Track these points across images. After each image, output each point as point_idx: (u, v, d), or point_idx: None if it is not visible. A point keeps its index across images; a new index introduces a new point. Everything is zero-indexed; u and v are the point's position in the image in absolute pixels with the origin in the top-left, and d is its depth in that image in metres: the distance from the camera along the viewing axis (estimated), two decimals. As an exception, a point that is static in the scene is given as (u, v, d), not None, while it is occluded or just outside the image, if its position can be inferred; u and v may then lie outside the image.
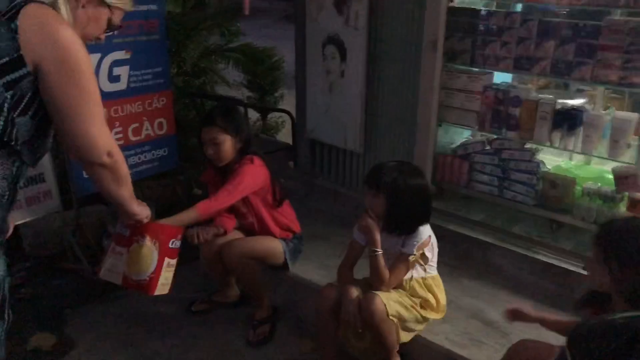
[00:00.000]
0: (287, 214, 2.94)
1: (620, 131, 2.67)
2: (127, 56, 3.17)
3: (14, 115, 1.49)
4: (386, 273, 2.37)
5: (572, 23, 2.72)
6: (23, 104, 1.50)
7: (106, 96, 3.00)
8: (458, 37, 3.10)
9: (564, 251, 2.81)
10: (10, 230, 1.68)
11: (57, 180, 3.18)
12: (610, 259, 1.69)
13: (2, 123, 1.47)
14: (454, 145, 3.35)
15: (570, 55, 2.72)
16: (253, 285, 2.86)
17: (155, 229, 2.09)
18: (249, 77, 5.46)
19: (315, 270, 3.00)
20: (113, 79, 3.14)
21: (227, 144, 2.71)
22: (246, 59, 5.09)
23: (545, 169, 3.00)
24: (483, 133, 3.22)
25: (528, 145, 3.04)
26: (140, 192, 3.17)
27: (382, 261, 2.37)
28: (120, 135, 3.24)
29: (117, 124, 3.21)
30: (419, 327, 2.46)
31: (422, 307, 2.45)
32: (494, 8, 3.13)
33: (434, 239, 2.45)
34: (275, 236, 2.89)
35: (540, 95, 2.96)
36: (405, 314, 2.36)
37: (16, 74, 1.46)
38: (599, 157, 2.85)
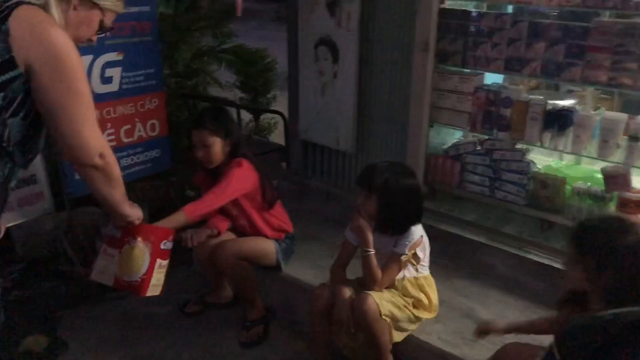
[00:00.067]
0: (279, 214, 2.95)
1: (609, 131, 2.69)
2: (120, 58, 3.16)
3: (6, 117, 1.49)
4: (379, 273, 2.38)
5: (561, 24, 2.74)
6: (14, 105, 1.50)
7: (98, 98, 2.99)
8: (449, 39, 3.12)
9: (555, 250, 2.83)
10: (2, 232, 1.68)
11: (49, 181, 3.17)
12: (585, 257, 1.71)
13: (-7, 125, 1.47)
14: (445, 146, 3.36)
15: (560, 56, 2.74)
16: (245, 286, 2.86)
17: (147, 230, 2.09)
18: (242, 78, 5.46)
19: (308, 271, 3.01)
20: (105, 80, 3.13)
21: (217, 147, 2.71)
22: (239, 60, 5.09)
23: (536, 169, 3.02)
24: (474, 134, 3.23)
25: (519, 146, 3.06)
26: (133, 193, 3.17)
27: (374, 261, 2.38)
28: (113, 137, 3.24)
29: (110, 125, 3.21)
30: (412, 327, 2.48)
31: (414, 306, 2.46)
32: (484, 9, 3.14)
33: (425, 239, 2.47)
34: (267, 237, 2.89)
35: (530, 96, 2.98)
36: (397, 313, 2.37)
37: (7, 76, 1.47)
38: (588, 157, 2.87)
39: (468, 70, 3.12)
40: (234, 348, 2.81)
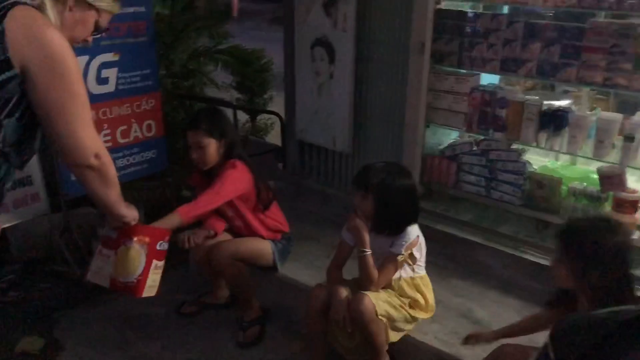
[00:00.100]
0: (275, 215, 2.94)
1: (605, 132, 2.70)
2: (116, 58, 3.16)
3: (1, 118, 1.49)
4: (375, 273, 2.39)
5: (557, 25, 2.76)
6: (10, 106, 1.50)
7: (94, 98, 2.99)
8: (445, 39, 3.13)
9: (551, 250, 2.80)
10: (-2, 233, 1.68)
11: (45, 183, 3.16)
12: (571, 256, 1.74)
13: (-11, 125, 1.47)
14: (441, 146, 3.37)
15: (556, 56, 2.76)
16: (241, 286, 2.86)
17: (143, 231, 2.09)
18: (238, 79, 5.46)
19: (305, 271, 3.01)
20: (101, 81, 3.13)
21: (212, 148, 2.70)
22: (235, 60, 5.09)
23: (532, 169, 3.03)
24: (470, 134, 3.25)
25: (515, 146, 3.07)
26: (129, 194, 3.17)
27: (371, 261, 2.39)
28: (109, 138, 3.23)
29: (106, 126, 3.21)
30: (408, 327, 2.48)
31: (410, 306, 2.47)
32: (480, 10, 3.15)
33: (422, 239, 2.47)
34: (263, 237, 2.89)
35: (526, 96, 2.99)
36: (394, 313, 2.37)
37: (3, 76, 1.47)
38: (584, 157, 2.89)
39: (464, 71, 3.13)
40: (230, 348, 2.80)
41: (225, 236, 2.88)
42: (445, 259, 3.08)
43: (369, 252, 2.39)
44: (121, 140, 3.32)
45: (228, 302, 3.10)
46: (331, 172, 3.83)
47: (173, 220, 2.44)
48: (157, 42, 3.61)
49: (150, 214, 2.89)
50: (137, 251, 2.05)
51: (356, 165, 3.50)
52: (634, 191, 2.66)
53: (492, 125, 3.05)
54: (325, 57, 3.50)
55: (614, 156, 2.72)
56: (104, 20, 1.74)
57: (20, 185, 3.03)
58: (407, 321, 2.44)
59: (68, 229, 3.34)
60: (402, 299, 2.45)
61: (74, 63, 1.54)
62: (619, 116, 2.73)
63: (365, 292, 2.33)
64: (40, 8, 1.53)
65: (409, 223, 2.41)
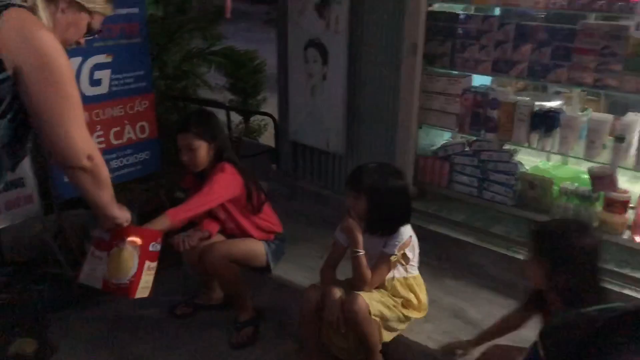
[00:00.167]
0: (268, 216, 2.94)
1: (596, 132, 2.73)
2: (109, 60, 3.15)
3: (-7, 119, 1.49)
4: (368, 273, 2.40)
5: (548, 27, 2.78)
6: (2, 107, 1.50)
7: (87, 100, 2.99)
8: (437, 41, 3.14)
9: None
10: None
11: (37, 184, 3.15)
12: (542, 257, 1.79)
13: (-19, 127, 1.47)
14: (434, 147, 3.39)
15: (547, 58, 2.78)
16: (234, 287, 2.86)
17: (136, 232, 2.09)
18: (231, 80, 5.46)
19: (298, 272, 3.02)
20: (94, 82, 3.12)
21: (202, 151, 2.70)
22: (228, 62, 5.09)
23: (524, 170, 3.05)
24: (463, 135, 3.26)
25: (507, 147, 3.09)
26: (122, 195, 3.16)
27: (364, 261, 2.40)
28: (102, 139, 3.23)
29: (99, 127, 3.20)
30: (401, 327, 2.49)
31: (404, 306, 2.48)
32: (472, 12, 3.17)
33: (415, 239, 2.48)
34: (256, 239, 2.90)
35: (518, 97, 3.01)
36: (387, 313, 2.38)
37: (-5, 78, 1.46)
38: (575, 157, 2.91)
39: (456, 72, 3.15)
40: (224, 349, 2.81)
41: (219, 237, 2.88)
42: (437, 259, 3.10)
43: (362, 252, 2.40)
44: (114, 142, 3.31)
45: (222, 303, 3.10)
46: (324, 173, 3.83)
47: (162, 222, 2.43)
48: (150, 44, 3.60)
49: (144, 215, 2.88)
50: (129, 252, 2.05)
51: (349, 166, 3.50)
52: (625, 191, 2.68)
53: (484, 126, 3.06)
54: (319, 58, 3.51)
55: (604, 156, 2.74)
56: (97, 22, 1.74)
57: (13, 187, 3.02)
58: (400, 321, 2.46)
59: (61, 230, 3.33)
60: (395, 298, 2.46)
61: (66, 65, 1.55)
62: (609, 117, 2.76)
63: (359, 292, 2.34)
64: (32, 10, 1.53)
65: (402, 223, 2.42)
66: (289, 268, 3.05)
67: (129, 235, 2.06)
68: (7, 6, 1.48)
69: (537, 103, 2.91)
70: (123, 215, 1.95)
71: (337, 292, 2.38)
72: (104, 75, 3.16)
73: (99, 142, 3.17)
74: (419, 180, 3.36)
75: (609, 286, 2.59)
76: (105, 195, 1.79)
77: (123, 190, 3.40)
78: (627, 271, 2.65)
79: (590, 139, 2.74)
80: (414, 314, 2.51)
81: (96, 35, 1.82)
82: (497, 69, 2.96)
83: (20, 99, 1.51)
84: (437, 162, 3.30)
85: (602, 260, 1.81)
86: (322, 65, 3.50)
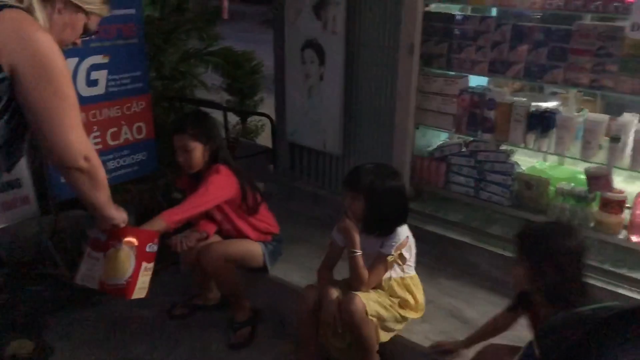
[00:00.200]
0: (265, 217, 2.95)
1: (592, 132, 2.74)
2: (105, 60, 3.15)
3: (-10, 120, 1.49)
4: (365, 273, 2.40)
5: (544, 27, 2.78)
6: (-1, 108, 1.50)
7: (84, 100, 2.98)
8: (434, 42, 3.15)
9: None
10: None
11: (34, 185, 3.15)
12: (527, 258, 1.83)
13: (-23, 128, 1.47)
14: (431, 148, 3.40)
15: (543, 58, 2.79)
16: (231, 288, 2.87)
17: (132, 233, 2.09)
18: (229, 81, 5.46)
19: (295, 272, 3.02)
20: (91, 83, 3.12)
21: (198, 152, 2.71)
22: (225, 63, 5.09)
23: (520, 170, 3.06)
24: (459, 135, 3.27)
25: (503, 147, 3.10)
26: (119, 196, 3.16)
27: (361, 262, 2.40)
28: (99, 140, 3.22)
29: (96, 128, 3.20)
30: (398, 327, 2.50)
31: (400, 306, 2.48)
32: (469, 13, 3.18)
33: (411, 240, 2.49)
34: (253, 240, 2.90)
35: (514, 98, 3.02)
36: (384, 313, 2.39)
37: (-8, 79, 1.46)
38: (572, 158, 2.92)
39: (453, 73, 3.16)
40: (221, 350, 2.81)
41: (216, 238, 2.88)
42: (434, 259, 3.10)
43: (359, 252, 2.40)
44: (111, 143, 3.31)
45: (219, 303, 3.10)
46: (322, 174, 3.84)
47: (157, 224, 2.43)
48: (147, 44, 3.60)
49: (141, 216, 2.88)
50: (126, 253, 2.05)
51: (346, 167, 3.51)
52: (621, 191, 2.69)
53: (481, 127, 3.07)
54: (316, 59, 3.52)
55: (600, 157, 2.75)
56: (93, 23, 1.74)
57: (9, 188, 3.01)
58: (397, 321, 2.46)
59: (58, 231, 3.33)
60: (392, 299, 2.46)
61: (63, 65, 1.55)
62: (605, 117, 2.77)
63: (356, 293, 2.35)
64: (29, 10, 1.53)
65: (399, 224, 2.42)
66: (286, 268, 3.05)
67: (125, 236, 2.06)
68: (2, 7, 1.48)
69: (533, 104, 2.92)
70: (120, 216, 1.95)
71: (334, 293, 2.39)
72: (101, 75, 3.16)
73: (96, 143, 3.17)
74: (416, 180, 3.37)
75: (606, 286, 2.62)
76: (102, 196, 1.79)
77: (120, 191, 3.40)
78: (623, 271, 2.66)
79: (586, 139, 2.75)
80: (411, 314, 2.52)
81: (93, 36, 1.83)
82: (493, 69, 2.97)
83: (17, 99, 1.51)
84: (434, 162, 3.30)
85: (587, 261, 1.84)
86: (319, 66, 3.51)
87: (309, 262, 3.00)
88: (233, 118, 5.32)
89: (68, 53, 1.68)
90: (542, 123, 2.85)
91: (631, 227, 2.66)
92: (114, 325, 2.97)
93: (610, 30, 2.58)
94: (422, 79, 3.19)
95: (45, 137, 1.56)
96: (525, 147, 2.98)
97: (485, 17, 3.01)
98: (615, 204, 2.67)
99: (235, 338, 2.84)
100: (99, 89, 3.17)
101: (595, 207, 2.76)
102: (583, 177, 2.77)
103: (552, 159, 3.23)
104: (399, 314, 2.46)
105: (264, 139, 5.19)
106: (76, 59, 2.99)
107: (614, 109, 2.90)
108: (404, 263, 2.47)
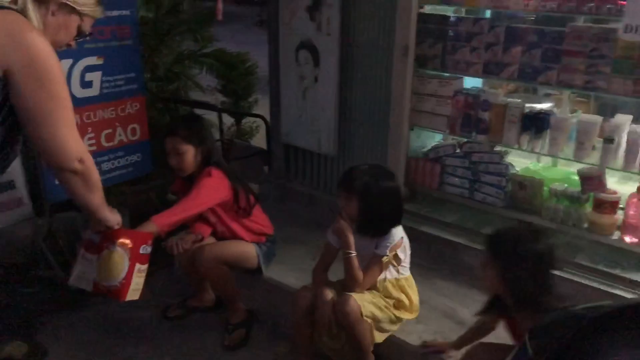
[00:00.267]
0: (259, 219, 2.94)
1: (585, 133, 2.75)
2: (100, 62, 3.14)
3: (-16, 122, 1.49)
4: (360, 274, 2.40)
5: (538, 29, 2.80)
6: (-8, 110, 1.49)
7: (78, 102, 2.98)
8: (429, 43, 3.16)
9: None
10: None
11: (28, 187, 3.14)
12: (497, 262, 1.88)
13: (-29, 129, 1.46)
14: (425, 149, 3.40)
15: (537, 60, 2.80)
16: (226, 289, 2.86)
17: (126, 234, 2.09)
18: (223, 82, 5.45)
19: (290, 274, 3.02)
20: (85, 84, 3.11)
21: (190, 155, 2.70)
22: (220, 64, 5.08)
23: (514, 171, 3.07)
24: (454, 137, 3.28)
25: (497, 148, 3.11)
26: (114, 198, 3.15)
27: (356, 263, 2.40)
28: (93, 141, 3.21)
29: (90, 129, 3.19)
30: (393, 328, 2.50)
31: (395, 307, 2.49)
32: (463, 14, 3.19)
33: (406, 241, 2.49)
34: (247, 241, 2.89)
35: (508, 99, 3.03)
36: (379, 314, 2.39)
37: (-15, 81, 1.46)
38: (565, 159, 2.93)
39: (447, 74, 3.17)
40: (216, 351, 2.80)
41: (211, 240, 2.87)
42: (429, 260, 3.11)
43: (354, 253, 2.40)
44: (105, 144, 3.30)
45: (214, 305, 3.09)
46: (316, 175, 3.84)
47: (148, 228, 2.40)
48: (142, 46, 3.60)
49: (136, 217, 2.88)
50: (120, 255, 2.05)
51: (341, 168, 3.52)
52: (614, 192, 2.70)
53: (475, 128, 3.08)
54: (310, 60, 3.52)
55: (594, 158, 2.76)
56: (87, 25, 1.74)
57: (3, 190, 3.01)
58: (392, 322, 2.46)
59: (52, 233, 3.32)
60: (387, 300, 2.47)
61: (57, 66, 1.55)
62: (598, 118, 2.78)
63: (351, 294, 2.35)
64: (23, 12, 1.53)
65: (394, 225, 2.43)
66: (281, 270, 3.05)
67: (119, 238, 2.06)
68: (-4, 8, 1.48)
69: (527, 105, 2.93)
70: (114, 217, 1.95)
71: (329, 294, 2.39)
72: (95, 77, 3.15)
73: (90, 145, 3.16)
74: (411, 181, 3.37)
75: (599, 286, 2.63)
76: (96, 198, 1.79)
77: (114, 192, 3.39)
78: (617, 272, 2.68)
79: (580, 140, 2.76)
80: (405, 315, 2.52)
81: (87, 38, 1.82)
82: (487, 71, 2.98)
83: (11, 101, 1.51)
84: (429, 163, 3.31)
85: (555, 265, 1.88)
86: (313, 67, 3.51)
87: (304, 264, 3.01)
88: (228, 119, 5.31)
89: (62, 54, 1.68)
90: (536, 124, 2.86)
91: (624, 228, 2.68)
92: (109, 327, 2.96)
93: (603, 32, 2.60)
94: (417, 80, 3.20)
95: (39, 138, 1.56)
96: (519, 148, 2.99)
97: (479, 19, 3.02)
98: (609, 205, 2.68)
99: (230, 340, 2.83)
100: (94, 91, 3.16)
101: (588, 207, 2.77)
102: (576, 178, 2.79)
103: (546, 160, 3.25)
104: (394, 314, 2.46)
105: (259, 140, 5.18)
106: (70, 60, 2.98)
107: (608, 110, 2.92)
108: (398, 264, 2.48)
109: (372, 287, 2.48)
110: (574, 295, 2.66)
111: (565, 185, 2.86)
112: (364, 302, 2.34)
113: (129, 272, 2.07)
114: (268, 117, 4.12)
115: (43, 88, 1.52)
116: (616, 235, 2.72)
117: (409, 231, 2.54)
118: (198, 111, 4.24)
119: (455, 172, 3.22)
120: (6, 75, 1.47)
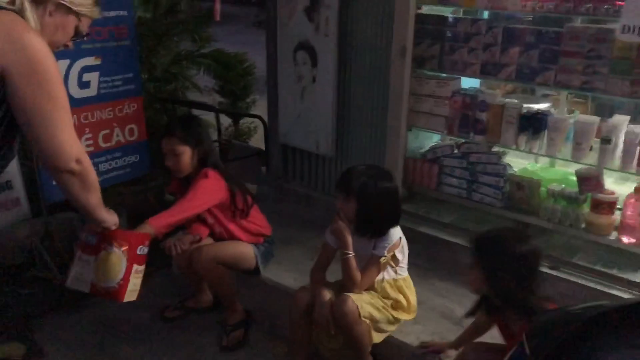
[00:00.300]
0: (256, 219, 2.94)
1: (583, 134, 2.75)
2: (97, 62, 3.14)
3: (-19, 122, 1.48)
4: (358, 275, 2.40)
5: (535, 30, 2.80)
6: (-10, 110, 1.49)
7: (76, 102, 2.98)
8: (426, 44, 3.16)
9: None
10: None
11: (25, 187, 3.13)
12: (482, 264, 1.90)
13: (-32, 130, 1.46)
14: (423, 150, 3.40)
15: (534, 60, 2.80)
16: (223, 290, 2.86)
17: (123, 235, 2.08)
18: (221, 82, 5.46)
19: (288, 274, 3.02)
20: (83, 85, 3.11)
21: (186, 156, 2.69)
22: (217, 64, 5.09)
23: (512, 172, 3.07)
24: (452, 137, 3.28)
25: (495, 149, 3.11)
26: (111, 198, 3.15)
27: (354, 263, 2.40)
28: (91, 142, 3.21)
29: (88, 130, 3.19)
30: (391, 328, 2.50)
31: (393, 308, 2.49)
32: (460, 15, 3.19)
33: (404, 241, 2.49)
34: (245, 242, 2.89)
35: (506, 100, 3.03)
36: (377, 315, 2.39)
37: (-18, 81, 1.46)
38: (563, 159, 2.93)
39: (445, 75, 3.17)
40: (214, 352, 2.80)
41: (209, 241, 2.87)
42: (427, 260, 3.11)
43: (351, 254, 2.40)
44: (103, 145, 3.30)
45: (211, 306, 3.09)
46: (314, 176, 3.84)
47: (145, 230, 2.38)
48: (139, 46, 3.60)
49: (134, 218, 2.87)
50: (117, 256, 2.05)
51: (339, 169, 3.52)
52: (612, 192, 2.71)
53: (473, 129, 3.08)
54: (308, 60, 3.52)
55: (591, 158, 2.77)
56: (84, 25, 1.74)
57: (1, 190, 3.00)
58: (389, 322, 2.46)
59: (49, 234, 3.31)
60: (385, 300, 2.47)
61: (54, 67, 1.54)
62: (596, 119, 2.78)
63: (349, 294, 2.35)
64: (20, 12, 1.53)
65: (391, 225, 2.43)
66: (278, 270, 3.05)
67: (116, 239, 2.05)
68: (-7, 9, 1.47)
69: (525, 105, 2.93)
70: (111, 218, 1.95)
71: (327, 294, 2.39)
72: (93, 77, 3.15)
73: (88, 145, 3.16)
74: (408, 182, 3.37)
75: (597, 286, 2.64)
76: (93, 199, 1.79)
77: (112, 193, 3.39)
78: (614, 272, 2.68)
79: (577, 140, 2.77)
80: (403, 316, 2.52)
81: (85, 38, 1.82)
82: (485, 71, 2.98)
83: (8, 101, 1.50)
84: (426, 164, 3.31)
85: (540, 266, 1.92)
86: (311, 67, 3.51)
87: (302, 264, 3.01)
88: (225, 120, 5.31)
89: (59, 54, 1.67)
90: (533, 125, 2.86)
91: (622, 228, 2.68)
92: (106, 328, 2.96)
93: (600, 32, 2.60)
94: (415, 81, 3.20)
95: (37, 139, 1.56)
96: (517, 149, 2.99)
97: (476, 20, 3.02)
98: (606, 205, 2.69)
99: (228, 340, 2.83)
100: (91, 91, 3.16)
101: (586, 208, 2.78)
102: (574, 178, 2.79)
103: (544, 161, 3.25)
104: (392, 315, 2.46)
105: (257, 141, 5.19)
106: (68, 61, 2.98)
107: (605, 111, 2.93)
108: (396, 264, 2.48)
109: (370, 288, 2.47)
110: (571, 296, 2.67)
111: (563, 185, 2.87)
112: (362, 303, 2.34)
113: (127, 273, 2.06)
114: (266, 118, 4.12)
115: (40, 89, 1.51)
116: (614, 235, 2.72)
117: (406, 231, 2.54)
118: (196, 112, 4.24)
119: (453, 173, 3.22)
120: (3, 76, 1.47)
